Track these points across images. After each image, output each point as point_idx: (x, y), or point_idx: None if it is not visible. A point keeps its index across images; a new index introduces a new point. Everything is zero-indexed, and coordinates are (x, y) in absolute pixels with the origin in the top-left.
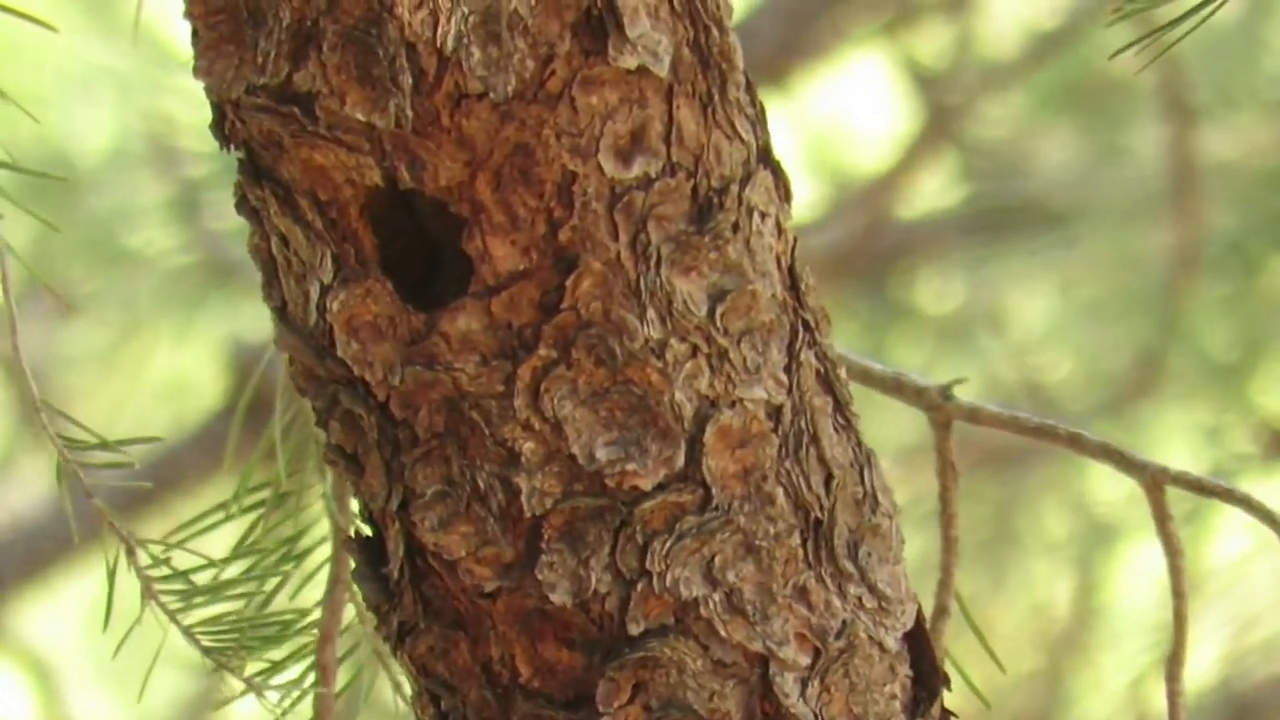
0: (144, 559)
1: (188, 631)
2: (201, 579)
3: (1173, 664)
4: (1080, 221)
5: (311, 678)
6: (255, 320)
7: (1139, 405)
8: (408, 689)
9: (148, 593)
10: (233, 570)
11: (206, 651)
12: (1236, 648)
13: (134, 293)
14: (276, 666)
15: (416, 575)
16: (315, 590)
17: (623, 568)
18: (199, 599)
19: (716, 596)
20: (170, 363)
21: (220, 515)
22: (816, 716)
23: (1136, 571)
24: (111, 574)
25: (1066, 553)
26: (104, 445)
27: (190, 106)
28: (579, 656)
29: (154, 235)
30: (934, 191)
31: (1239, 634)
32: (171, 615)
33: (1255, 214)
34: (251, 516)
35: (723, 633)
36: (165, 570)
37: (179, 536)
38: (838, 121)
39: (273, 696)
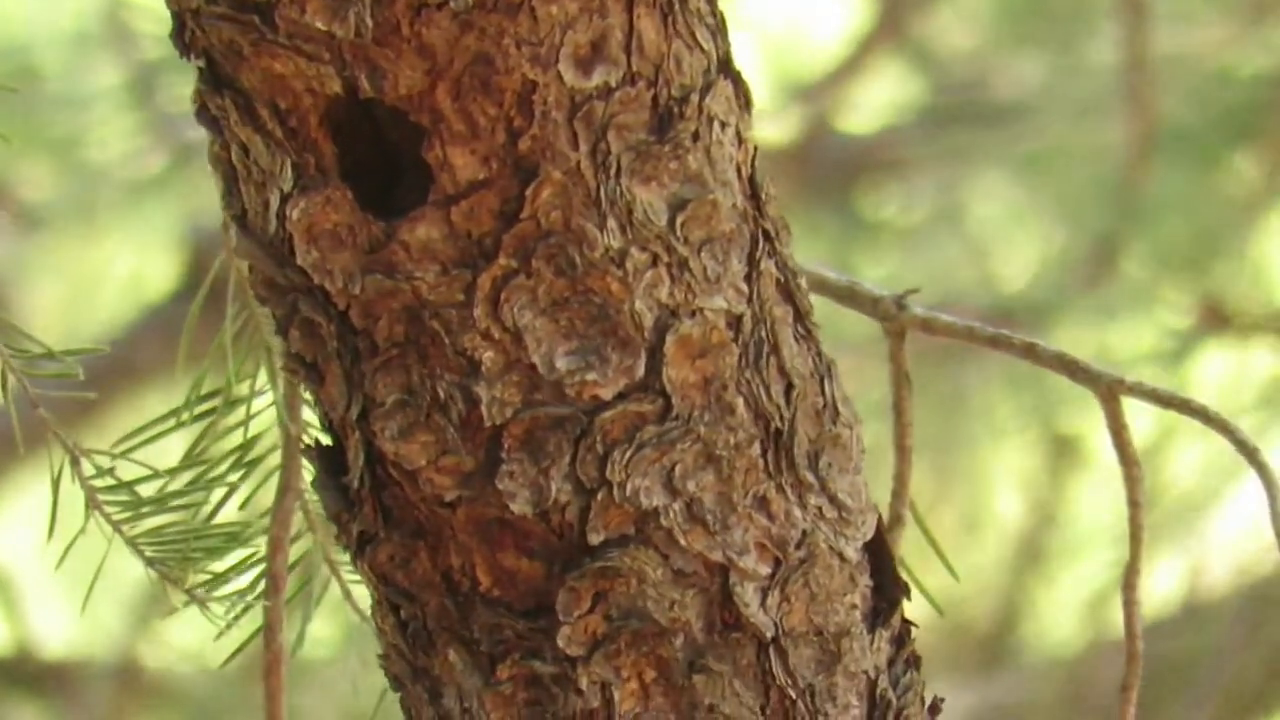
0: (89, 469)
1: (131, 542)
2: (149, 489)
3: (1130, 574)
4: (1038, 115)
5: (260, 587)
6: (213, 201)
7: (1096, 297)
8: (360, 597)
9: (92, 503)
10: (181, 480)
11: (150, 562)
12: (1200, 557)
13: (92, 176)
14: (221, 577)
15: (377, 484)
16: (264, 499)
17: (583, 477)
18: (144, 509)
19: (676, 506)
20: (127, 244)
21: (171, 423)
22: (776, 626)
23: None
24: (56, 483)
25: (1028, 455)
26: (50, 355)
27: None
28: (539, 566)
29: (110, 118)
30: (891, 88)
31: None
32: (115, 526)
33: (1210, 108)
34: (202, 425)
35: (683, 542)
36: (110, 480)
37: (129, 445)
38: (792, 25)
39: (218, 608)
